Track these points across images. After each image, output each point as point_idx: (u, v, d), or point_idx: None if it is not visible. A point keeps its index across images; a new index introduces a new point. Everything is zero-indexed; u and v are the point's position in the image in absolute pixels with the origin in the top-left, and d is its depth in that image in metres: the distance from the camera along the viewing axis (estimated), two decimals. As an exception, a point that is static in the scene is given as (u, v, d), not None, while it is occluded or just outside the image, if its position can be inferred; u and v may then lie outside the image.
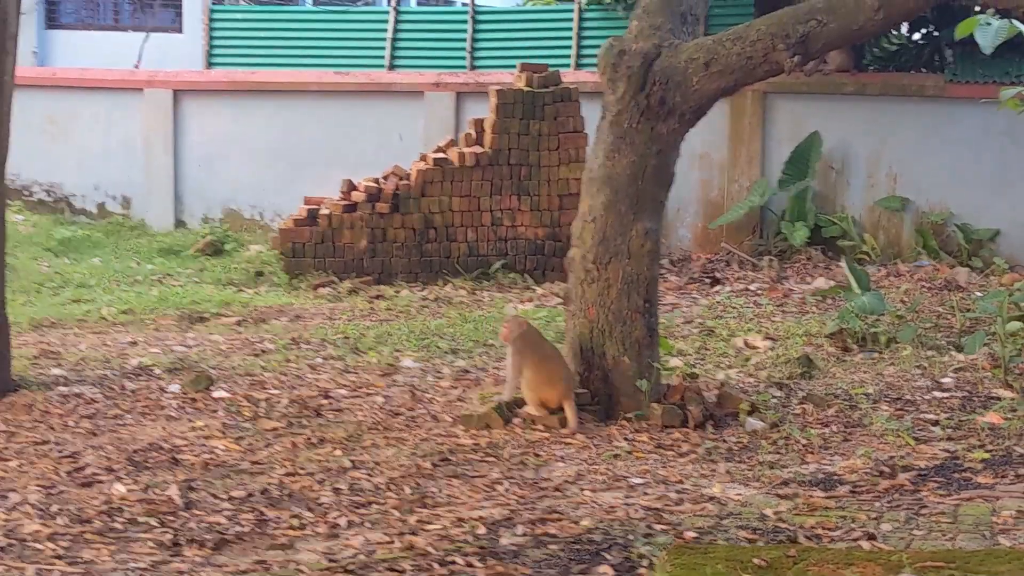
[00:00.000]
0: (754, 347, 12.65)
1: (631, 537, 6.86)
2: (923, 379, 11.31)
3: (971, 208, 17.57)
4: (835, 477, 8.27)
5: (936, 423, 9.69)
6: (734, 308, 14.55)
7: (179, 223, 19.32)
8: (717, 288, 16.04)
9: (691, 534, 6.91)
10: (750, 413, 9.60)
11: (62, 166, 19.60)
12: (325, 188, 17.18)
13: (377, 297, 15.38)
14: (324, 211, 16.35)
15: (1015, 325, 11.75)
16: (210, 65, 20.21)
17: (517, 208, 16.45)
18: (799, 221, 17.39)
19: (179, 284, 16.00)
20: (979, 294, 15.37)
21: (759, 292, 15.60)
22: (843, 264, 13.43)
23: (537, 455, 8.73)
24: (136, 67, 20.57)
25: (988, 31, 12.27)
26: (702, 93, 9.68)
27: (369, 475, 8.22)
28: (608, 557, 6.55)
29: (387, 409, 9.96)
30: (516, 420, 9.43)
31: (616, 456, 8.72)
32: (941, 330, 13.27)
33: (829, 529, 7.05)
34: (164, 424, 9.49)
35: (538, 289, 15.91)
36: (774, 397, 10.35)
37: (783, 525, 7.13)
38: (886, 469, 8.40)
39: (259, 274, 16.56)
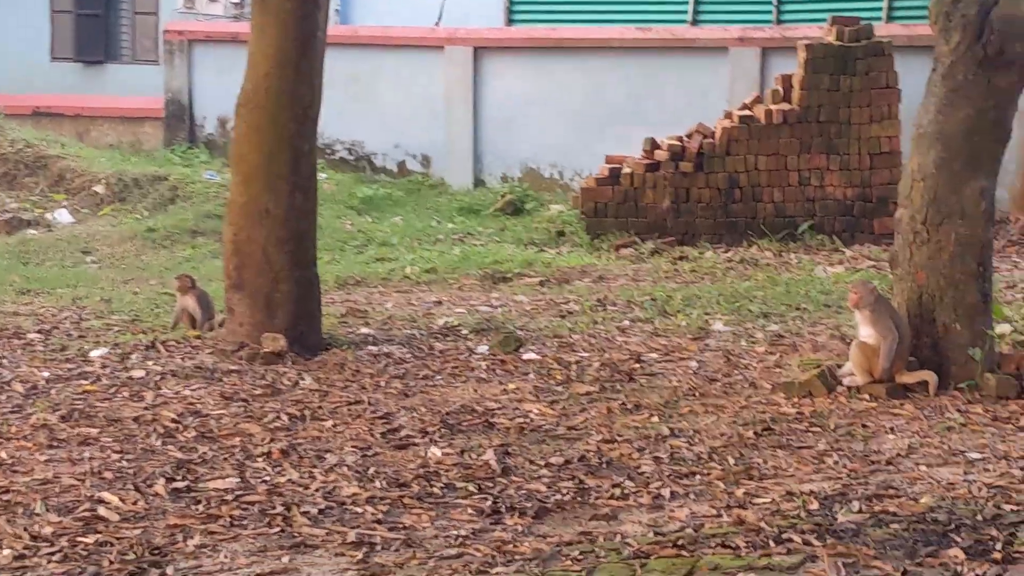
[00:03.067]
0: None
1: (979, 518, 6.37)
2: None
3: None
4: None
5: None
6: (1061, 272, 13.79)
7: (478, 182, 19.27)
8: (1039, 251, 15.24)
9: (1047, 517, 6.37)
10: (1097, 387, 8.93)
11: (363, 124, 19.75)
12: (626, 147, 16.89)
13: (681, 258, 15.03)
14: (626, 170, 16.06)
15: None
16: (511, 22, 20.08)
17: (826, 167, 15.91)
18: None
19: (480, 243, 15.91)
20: None
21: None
22: None
23: (865, 426, 8.25)
24: (437, 25, 20.53)
25: None
26: (1046, 43, 9.03)
27: (689, 444, 7.87)
28: (957, 539, 6.06)
29: (702, 375, 9.59)
30: (840, 388, 8.96)
31: (950, 428, 8.18)
32: None
33: None
34: (475, 386, 9.30)
35: (847, 251, 15.35)
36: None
37: None
38: None
39: (560, 234, 16.36)
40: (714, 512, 6.61)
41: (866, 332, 8.95)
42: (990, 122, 9.12)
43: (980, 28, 9.04)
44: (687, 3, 19.09)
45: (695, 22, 19.06)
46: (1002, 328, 10.79)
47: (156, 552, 5.99)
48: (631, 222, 15.94)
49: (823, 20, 17.64)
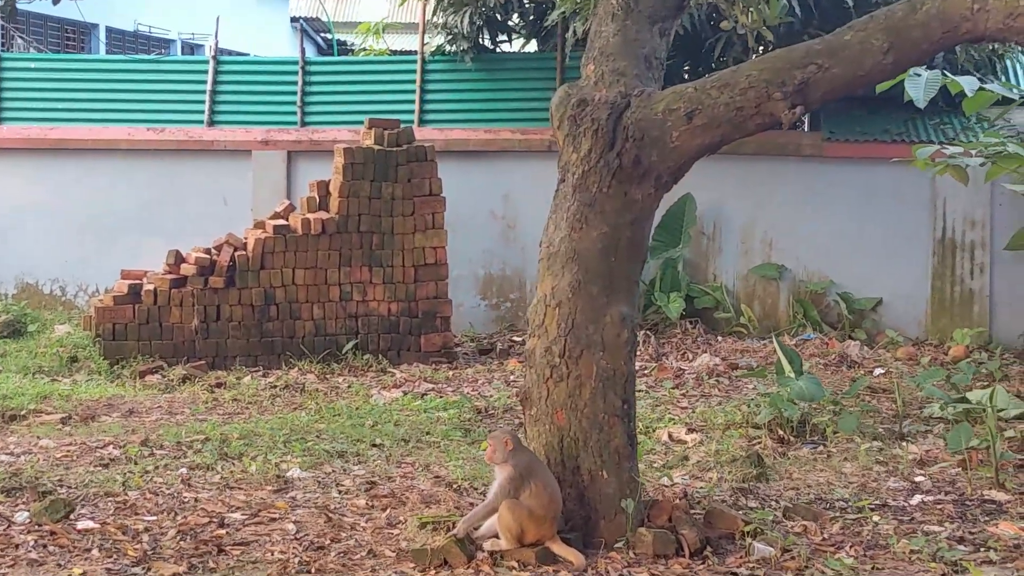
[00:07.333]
0: (681, 441, 11.08)
1: None
2: (892, 478, 9.88)
3: (852, 276, 16.28)
4: (904, 623, 6.68)
5: (961, 540, 8.22)
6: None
7: (-36, 301, 16.96)
8: (596, 368, 14.39)
9: None
10: (754, 536, 7.94)
11: None
12: (143, 259, 15.22)
13: (218, 385, 13.34)
14: (148, 286, 14.28)
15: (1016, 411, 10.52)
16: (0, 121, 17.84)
17: (368, 281, 14.64)
18: (673, 292, 15.87)
19: (-21, 374, 13.71)
20: (880, 370, 14.15)
21: (644, 372, 14.01)
22: (775, 343, 11.92)
23: (526, 604, 6.94)
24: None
25: (919, 83, 10.97)
26: (683, 151, 8.02)
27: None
28: None
29: (306, 541, 8.00)
30: (481, 555, 7.60)
31: (624, 602, 6.99)
32: (868, 413, 11.88)
33: None
34: (28, 572, 7.40)
35: (396, 372, 14.07)
36: (752, 510, 8.70)
37: None
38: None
39: (73, 360, 14.31)
40: None
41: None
42: (628, 240, 8.06)
43: (613, 134, 7.99)
44: (203, 103, 17.41)
45: (212, 123, 17.38)
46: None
47: None
48: (155, 345, 14.17)
49: (351, 123, 16.51)
